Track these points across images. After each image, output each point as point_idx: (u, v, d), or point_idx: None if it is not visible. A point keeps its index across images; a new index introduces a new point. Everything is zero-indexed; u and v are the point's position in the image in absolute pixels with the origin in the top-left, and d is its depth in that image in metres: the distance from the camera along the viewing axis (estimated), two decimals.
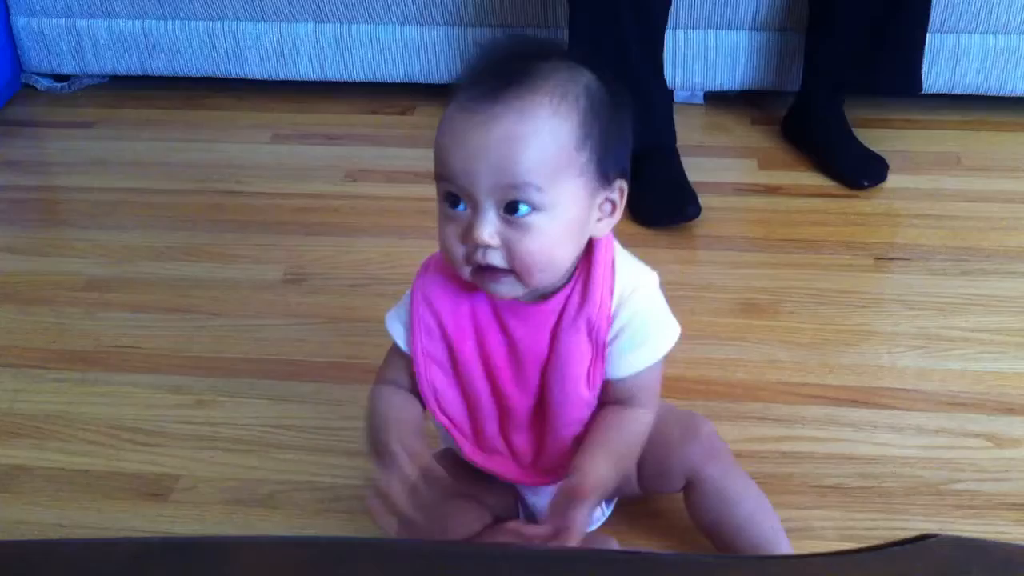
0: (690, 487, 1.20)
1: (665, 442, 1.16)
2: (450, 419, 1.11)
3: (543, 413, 1.10)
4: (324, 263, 1.75)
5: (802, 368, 1.50)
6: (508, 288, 1.01)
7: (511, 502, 1.21)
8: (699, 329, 1.56)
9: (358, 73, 2.21)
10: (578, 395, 1.07)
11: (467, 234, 0.98)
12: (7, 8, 2.24)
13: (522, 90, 0.96)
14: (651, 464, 1.18)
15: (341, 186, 1.98)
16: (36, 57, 2.29)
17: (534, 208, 0.96)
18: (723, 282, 1.69)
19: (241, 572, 0.69)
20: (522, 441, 1.12)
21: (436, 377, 1.09)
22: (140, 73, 2.27)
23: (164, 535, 1.26)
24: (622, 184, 1.04)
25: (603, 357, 1.06)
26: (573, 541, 0.98)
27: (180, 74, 2.26)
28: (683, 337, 1.09)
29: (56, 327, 1.63)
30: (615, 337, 1.06)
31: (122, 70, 2.28)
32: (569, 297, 1.05)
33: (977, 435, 1.38)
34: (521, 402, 1.09)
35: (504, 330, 1.07)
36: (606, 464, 1.04)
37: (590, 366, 1.07)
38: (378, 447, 1.06)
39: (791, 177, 1.96)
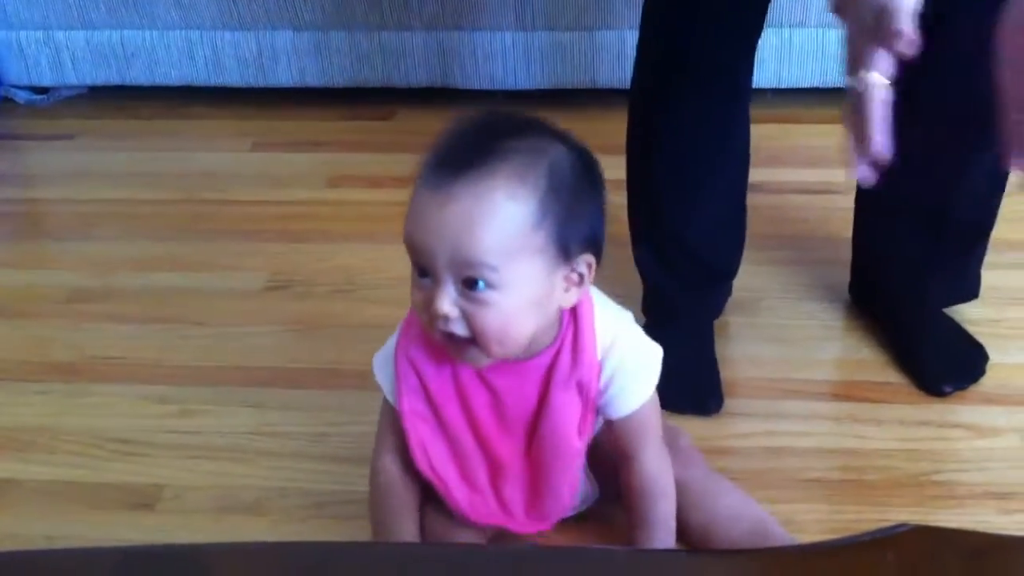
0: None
1: None
2: (440, 474, 1.13)
3: (533, 463, 1.13)
4: (307, 270, 1.75)
5: (783, 363, 1.51)
6: (474, 357, 1.03)
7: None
8: None
9: (337, 79, 2.22)
10: (570, 446, 1.11)
11: (429, 304, 1.00)
12: None
13: (481, 172, 0.97)
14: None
15: (323, 192, 1.99)
16: (14, 70, 2.29)
17: (490, 285, 0.98)
18: None
19: None
20: (513, 491, 1.14)
21: (424, 433, 1.12)
22: (119, 83, 2.27)
23: (151, 544, 1.26)
24: (589, 259, 1.04)
25: (593, 409, 1.10)
26: None
27: (159, 83, 2.26)
28: None
29: (40, 339, 1.63)
30: (607, 385, 1.09)
31: (101, 81, 2.28)
32: (559, 354, 1.07)
33: (957, 426, 1.40)
34: (509, 452, 1.12)
35: (488, 386, 1.09)
36: (666, 537, 1.15)
37: (581, 418, 1.10)
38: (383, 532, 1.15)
39: (772, 174, 1.96)
